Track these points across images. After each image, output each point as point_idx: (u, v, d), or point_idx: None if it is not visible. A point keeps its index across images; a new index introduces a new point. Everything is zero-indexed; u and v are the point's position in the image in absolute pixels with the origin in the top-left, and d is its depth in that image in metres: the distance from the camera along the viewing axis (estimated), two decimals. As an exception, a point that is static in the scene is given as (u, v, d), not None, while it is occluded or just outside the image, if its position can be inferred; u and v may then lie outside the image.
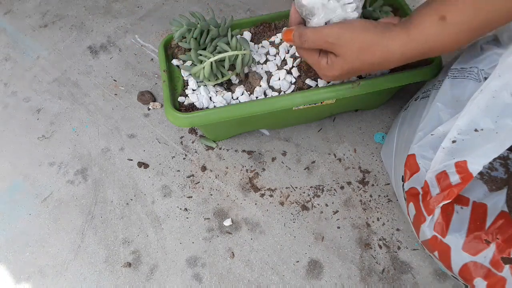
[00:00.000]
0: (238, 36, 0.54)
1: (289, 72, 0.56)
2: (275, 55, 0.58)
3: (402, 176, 0.48)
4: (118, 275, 0.54)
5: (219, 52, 0.52)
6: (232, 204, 0.59)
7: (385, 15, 0.54)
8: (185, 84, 0.56)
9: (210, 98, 0.54)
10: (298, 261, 0.54)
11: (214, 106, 0.53)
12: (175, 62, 0.58)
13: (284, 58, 0.57)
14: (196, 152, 0.64)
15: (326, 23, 0.44)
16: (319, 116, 0.63)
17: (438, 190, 0.41)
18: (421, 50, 0.39)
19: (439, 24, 0.37)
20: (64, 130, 0.69)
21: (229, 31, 0.53)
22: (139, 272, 0.54)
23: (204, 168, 0.62)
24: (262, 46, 0.59)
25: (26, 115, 0.71)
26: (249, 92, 0.55)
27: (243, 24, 0.61)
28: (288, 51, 0.57)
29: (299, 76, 0.55)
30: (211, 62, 0.51)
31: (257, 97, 0.54)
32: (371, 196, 0.58)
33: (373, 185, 0.59)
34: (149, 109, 0.70)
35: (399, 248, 0.53)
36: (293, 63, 0.56)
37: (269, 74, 0.56)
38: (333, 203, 0.58)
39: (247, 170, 0.62)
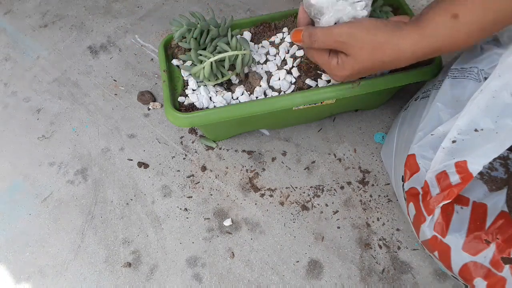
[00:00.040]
0: (238, 36, 0.54)
1: (289, 72, 0.56)
2: (275, 55, 0.58)
3: (402, 176, 0.48)
4: (118, 275, 0.54)
5: (219, 52, 0.52)
6: (232, 204, 0.59)
7: (385, 15, 0.54)
8: (185, 84, 0.56)
9: (210, 98, 0.54)
10: (298, 261, 0.54)
11: (214, 106, 0.53)
12: (175, 62, 0.58)
13: (284, 58, 0.57)
14: (196, 152, 0.64)
15: (335, 23, 0.44)
16: (319, 116, 0.63)
17: (438, 190, 0.41)
18: (432, 48, 0.39)
19: (451, 23, 0.37)
20: (64, 130, 0.69)
21: (229, 31, 0.53)
22: (139, 272, 0.54)
23: (204, 168, 0.62)
24: (262, 46, 0.59)
25: (26, 115, 0.71)
26: (249, 92, 0.55)
27: (243, 24, 0.61)
28: (288, 51, 0.57)
29: (299, 76, 0.55)
30: (211, 62, 0.51)
31: (257, 97, 0.54)
32: (371, 196, 0.58)
33: (373, 185, 0.59)
34: (149, 109, 0.70)
35: (399, 248, 0.53)
36: (293, 63, 0.56)
37: (269, 74, 0.56)
38: (333, 203, 0.58)
39: (247, 170, 0.62)
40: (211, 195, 0.60)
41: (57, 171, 0.64)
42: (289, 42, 0.58)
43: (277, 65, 0.57)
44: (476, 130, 0.40)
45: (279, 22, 0.61)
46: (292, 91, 0.54)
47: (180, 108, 0.54)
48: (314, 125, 0.65)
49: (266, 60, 0.57)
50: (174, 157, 0.64)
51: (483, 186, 0.46)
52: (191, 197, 0.60)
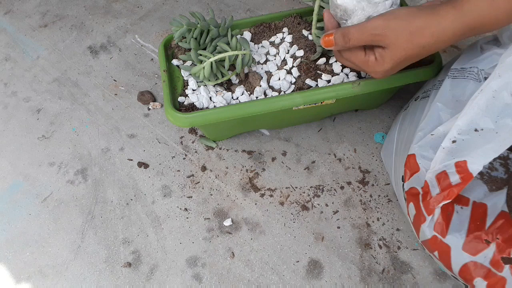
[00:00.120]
0: (238, 36, 0.54)
1: (289, 72, 0.56)
2: (275, 55, 0.58)
3: (402, 176, 0.48)
4: (118, 275, 0.54)
5: (219, 52, 0.52)
6: (232, 204, 0.59)
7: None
8: (185, 84, 0.56)
9: (210, 98, 0.54)
10: (298, 261, 0.54)
11: (214, 106, 0.53)
12: (175, 62, 0.58)
13: (284, 58, 0.57)
14: (196, 152, 0.64)
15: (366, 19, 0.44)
16: (319, 116, 0.63)
17: (438, 190, 0.41)
18: (472, 25, 0.38)
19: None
20: (64, 130, 0.69)
21: (229, 31, 0.53)
22: (139, 272, 0.54)
23: (204, 168, 0.62)
24: (262, 46, 0.59)
25: (26, 115, 0.71)
26: (249, 92, 0.55)
27: (243, 24, 0.61)
28: (288, 51, 0.57)
29: (299, 76, 0.55)
30: (211, 62, 0.51)
31: (257, 97, 0.54)
32: (371, 196, 0.58)
33: (373, 185, 0.59)
34: (149, 109, 0.70)
35: (399, 248, 0.53)
36: (293, 63, 0.56)
37: (269, 74, 0.56)
38: (333, 203, 0.58)
39: (247, 170, 0.62)
40: (211, 195, 0.60)
41: (57, 171, 0.64)
42: (289, 42, 0.58)
43: (277, 65, 0.57)
44: (476, 130, 0.40)
45: (279, 22, 0.61)
46: (292, 91, 0.54)
47: (180, 108, 0.54)
48: (314, 125, 0.65)
49: (266, 60, 0.57)
50: (174, 157, 0.64)
51: (483, 186, 0.46)
52: (191, 197, 0.60)
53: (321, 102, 0.52)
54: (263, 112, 0.51)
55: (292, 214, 0.57)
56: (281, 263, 0.54)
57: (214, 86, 0.56)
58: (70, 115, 0.70)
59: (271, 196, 0.59)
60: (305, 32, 0.58)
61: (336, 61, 0.55)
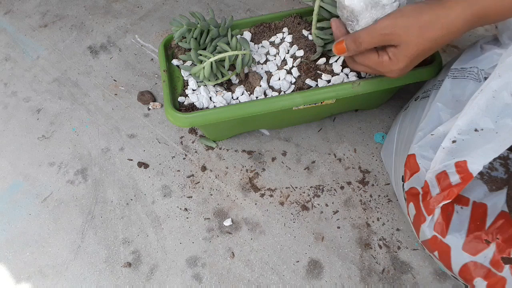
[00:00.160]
0: (238, 36, 0.54)
1: (289, 72, 0.56)
2: (275, 55, 0.58)
3: (402, 176, 0.48)
4: (118, 275, 0.54)
5: (219, 52, 0.52)
6: (232, 204, 0.59)
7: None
8: (185, 84, 0.56)
9: (210, 98, 0.54)
10: (298, 261, 0.54)
11: (214, 106, 0.53)
12: (175, 62, 0.58)
13: (284, 58, 0.57)
14: (196, 152, 0.64)
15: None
16: (319, 116, 0.63)
17: (438, 190, 0.41)
18: (481, 14, 0.39)
19: None
20: (64, 130, 0.69)
21: (229, 31, 0.53)
22: (139, 272, 0.54)
23: (204, 168, 0.62)
24: (262, 46, 0.59)
25: (26, 115, 0.71)
26: (249, 92, 0.55)
27: (243, 24, 0.61)
28: (288, 51, 0.57)
29: (299, 76, 0.55)
30: (211, 62, 0.51)
31: (257, 97, 0.54)
32: (371, 196, 0.58)
33: (373, 185, 0.59)
34: (149, 109, 0.70)
35: (399, 248, 0.53)
36: (293, 63, 0.56)
37: (269, 74, 0.56)
38: (333, 203, 0.58)
39: (247, 170, 0.62)
40: (211, 195, 0.60)
41: (57, 171, 0.64)
42: (289, 42, 0.58)
43: (277, 65, 0.57)
44: (476, 130, 0.40)
45: (279, 22, 0.61)
46: (292, 91, 0.54)
47: (180, 108, 0.54)
48: (314, 125, 0.65)
49: (266, 60, 0.57)
50: (174, 157, 0.64)
51: (483, 186, 0.46)
52: (191, 197, 0.60)
53: (321, 102, 0.52)
54: (263, 112, 0.51)
55: (292, 214, 0.57)
56: (281, 263, 0.54)
57: (214, 86, 0.56)
58: (70, 115, 0.70)
59: (271, 196, 0.59)
60: (305, 32, 0.58)
61: (336, 61, 0.55)
